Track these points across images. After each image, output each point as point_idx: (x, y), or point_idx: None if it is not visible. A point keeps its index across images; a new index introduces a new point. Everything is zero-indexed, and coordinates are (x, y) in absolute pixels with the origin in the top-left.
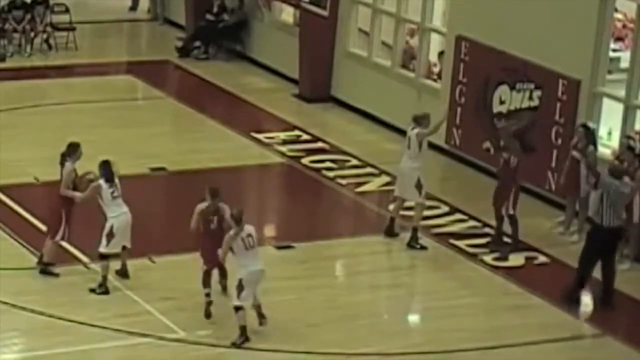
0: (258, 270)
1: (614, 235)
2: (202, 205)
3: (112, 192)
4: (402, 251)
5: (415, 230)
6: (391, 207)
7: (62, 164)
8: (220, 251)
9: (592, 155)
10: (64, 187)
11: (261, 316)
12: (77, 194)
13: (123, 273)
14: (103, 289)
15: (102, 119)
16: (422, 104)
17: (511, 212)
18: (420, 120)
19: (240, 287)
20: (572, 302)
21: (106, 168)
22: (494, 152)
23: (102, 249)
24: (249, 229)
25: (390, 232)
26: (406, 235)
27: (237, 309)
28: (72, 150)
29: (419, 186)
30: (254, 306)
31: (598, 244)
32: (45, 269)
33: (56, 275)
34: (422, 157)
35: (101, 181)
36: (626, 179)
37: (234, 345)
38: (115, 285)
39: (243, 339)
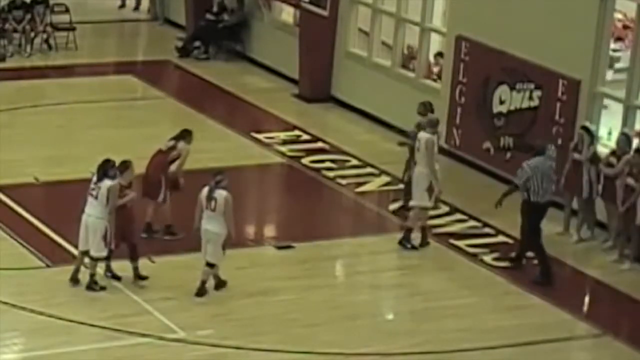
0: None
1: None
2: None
3: (92, 190)
4: (402, 251)
5: (409, 231)
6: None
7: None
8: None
9: (592, 151)
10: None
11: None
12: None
13: (74, 280)
14: (92, 284)
15: (102, 119)
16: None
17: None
18: (424, 124)
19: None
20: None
21: (99, 166)
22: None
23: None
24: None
25: (425, 243)
26: (434, 243)
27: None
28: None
29: (430, 190)
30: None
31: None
32: (169, 230)
33: (180, 237)
34: (431, 160)
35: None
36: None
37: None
38: (116, 285)
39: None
